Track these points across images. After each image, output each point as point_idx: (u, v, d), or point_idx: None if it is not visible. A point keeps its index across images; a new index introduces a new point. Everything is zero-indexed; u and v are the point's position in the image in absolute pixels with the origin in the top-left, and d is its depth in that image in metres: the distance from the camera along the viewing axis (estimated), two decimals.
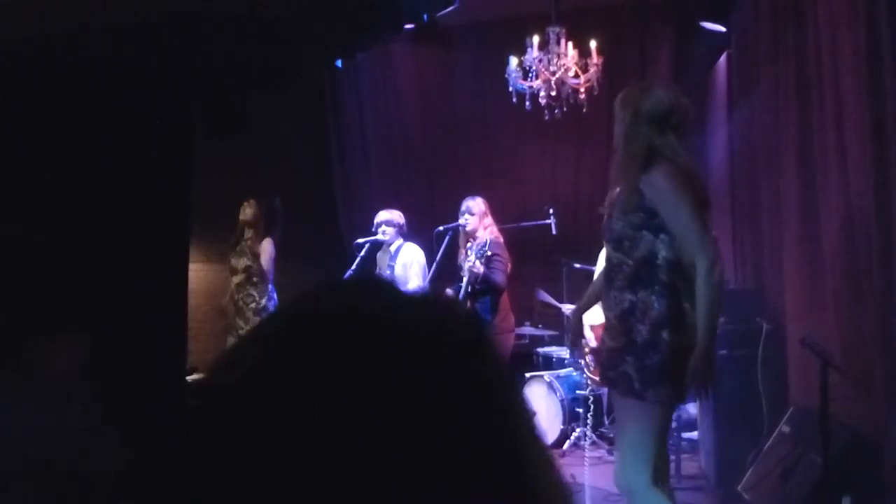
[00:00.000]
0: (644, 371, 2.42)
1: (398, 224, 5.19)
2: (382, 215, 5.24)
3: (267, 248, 5.15)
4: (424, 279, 5.02)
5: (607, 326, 2.60)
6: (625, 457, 2.51)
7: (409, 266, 5.12)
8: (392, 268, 5.14)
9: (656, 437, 2.51)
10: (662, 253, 2.46)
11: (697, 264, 2.43)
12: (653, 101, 2.57)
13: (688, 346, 2.43)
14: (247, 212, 5.23)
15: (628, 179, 2.50)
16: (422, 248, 5.25)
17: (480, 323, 0.57)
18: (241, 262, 5.17)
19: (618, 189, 2.58)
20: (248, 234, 5.23)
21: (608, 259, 2.59)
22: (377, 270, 5.25)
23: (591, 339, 4.55)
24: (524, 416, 0.53)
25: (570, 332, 3.06)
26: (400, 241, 5.19)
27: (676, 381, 2.44)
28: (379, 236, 5.24)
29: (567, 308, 5.45)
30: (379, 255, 5.31)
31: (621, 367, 2.47)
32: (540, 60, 5.20)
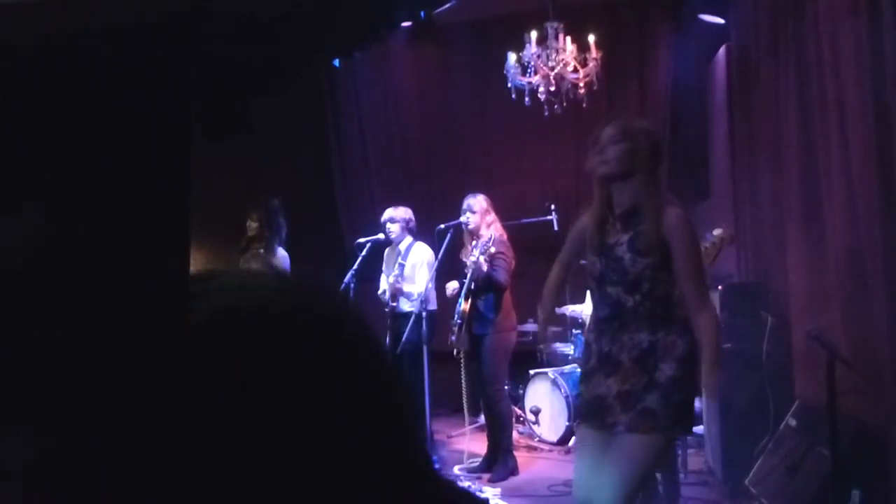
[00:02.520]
0: (670, 408, 2.42)
1: (403, 220, 5.12)
2: (388, 212, 5.19)
3: (282, 262, 5.06)
4: (432, 279, 4.99)
5: (615, 370, 2.50)
6: (623, 490, 2.43)
7: (418, 266, 5.07)
8: (402, 266, 5.08)
9: (651, 475, 2.56)
10: (677, 291, 2.49)
11: (701, 307, 2.47)
12: (657, 133, 2.62)
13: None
14: (252, 226, 5.11)
15: (653, 221, 2.46)
16: None
17: (343, 303, 0.64)
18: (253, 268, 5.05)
19: (628, 225, 2.51)
20: (259, 243, 5.14)
21: (617, 301, 2.50)
22: (385, 269, 5.21)
23: None
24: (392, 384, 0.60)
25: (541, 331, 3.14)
26: (409, 239, 5.11)
27: (691, 414, 2.53)
28: (382, 235, 5.21)
29: (569, 309, 5.44)
30: (387, 252, 5.25)
31: (638, 405, 2.43)
32: (538, 56, 5.18)
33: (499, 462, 4.68)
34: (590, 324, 2.69)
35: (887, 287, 2.96)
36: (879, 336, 3.05)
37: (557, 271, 2.84)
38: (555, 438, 5.31)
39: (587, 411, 2.59)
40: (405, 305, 5.08)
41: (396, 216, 5.13)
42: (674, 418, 2.43)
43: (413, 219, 5.19)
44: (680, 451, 4.40)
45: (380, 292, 5.17)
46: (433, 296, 5.06)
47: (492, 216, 4.70)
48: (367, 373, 0.58)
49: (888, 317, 2.96)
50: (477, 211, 4.65)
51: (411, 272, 5.08)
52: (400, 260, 5.10)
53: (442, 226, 4.83)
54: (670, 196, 2.55)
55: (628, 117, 2.75)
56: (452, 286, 4.75)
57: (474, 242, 4.58)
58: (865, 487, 3.02)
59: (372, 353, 0.60)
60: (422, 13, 4.92)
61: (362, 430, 0.54)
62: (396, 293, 5.06)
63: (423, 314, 4.65)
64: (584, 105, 5.33)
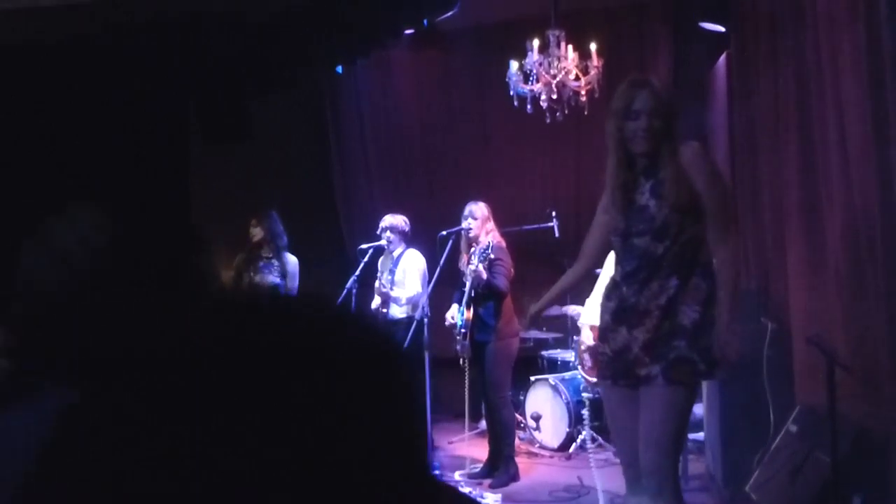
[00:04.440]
0: (705, 351, 2.44)
1: (402, 230, 5.18)
2: (387, 220, 5.23)
3: (294, 268, 5.10)
4: (424, 285, 5.01)
5: (641, 321, 2.49)
6: (664, 447, 2.45)
7: (408, 272, 5.12)
8: (393, 273, 5.14)
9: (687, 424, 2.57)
10: (703, 234, 2.50)
11: (724, 239, 2.49)
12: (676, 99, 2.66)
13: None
14: (257, 231, 5.09)
15: (672, 165, 2.46)
16: (423, 252, 5.25)
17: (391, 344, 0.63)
18: (269, 280, 5.07)
19: (647, 180, 2.51)
20: (266, 251, 5.11)
21: (645, 251, 2.48)
22: (378, 275, 5.24)
23: (588, 338, 4.50)
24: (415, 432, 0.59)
25: (532, 316, 3.06)
26: (402, 246, 5.19)
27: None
28: (382, 241, 5.23)
29: (570, 309, 5.44)
30: (381, 260, 5.31)
31: (672, 353, 2.44)
32: (540, 64, 5.21)
33: (500, 468, 4.69)
34: (609, 283, 2.66)
35: (887, 293, 2.97)
36: (879, 341, 3.06)
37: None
38: (556, 444, 5.31)
39: (613, 369, 2.57)
40: (396, 311, 5.12)
41: (397, 224, 5.17)
42: (710, 362, 2.45)
43: (409, 226, 5.22)
44: (680, 457, 4.41)
45: (373, 306, 5.21)
46: (427, 301, 5.09)
47: (491, 224, 4.72)
48: (376, 378, 0.57)
49: (888, 323, 2.97)
50: (478, 217, 4.68)
51: (402, 277, 5.12)
52: (391, 266, 5.15)
53: (444, 232, 4.85)
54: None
55: (653, 79, 2.70)
56: (451, 315, 4.77)
57: (473, 249, 4.60)
58: (866, 493, 3.02)
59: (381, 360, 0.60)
60: (424, 21, 4.94)
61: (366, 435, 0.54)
62: (385, 298, 5.10)
63: (425, 320, 4.67)
64: (586, 112, 5.35)
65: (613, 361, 2.57)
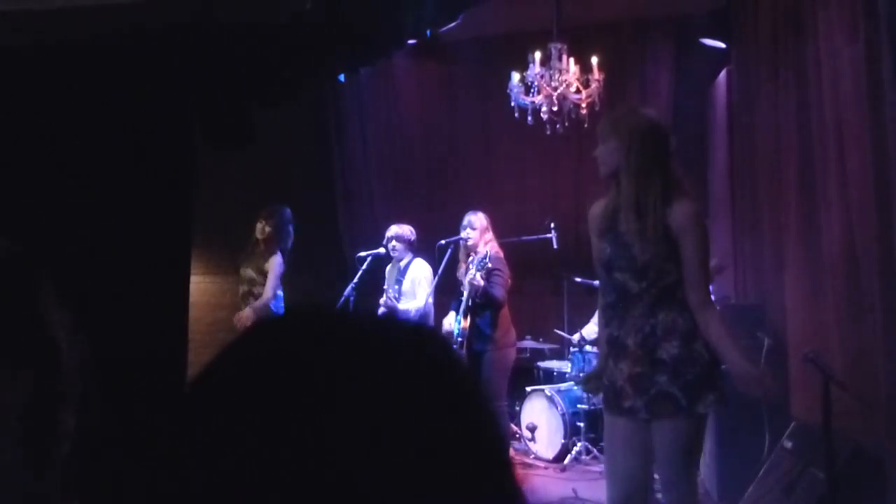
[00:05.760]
0: (687, 387, 2.43)
1: (408, 239, 5.17)
2: (393, 230, 5.22)
3: (274, 266, 4.91)
4: (431, 295, 5.01)
5: (624, 354, 2.52)
6: (677, 479, 2.47)
7: (417, 282, 5.11)
8: (400, 283, 5.12)
9: (701, 447, 2.56)
10: (681, 277, 2.51)
11: (705, 301, 2.49)
12: (653, 123, 2.55)
13: (715, 353, 2.50)
14: (266, 231, 4.99)
15: (653, 212, 2.46)
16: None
17: (448, 343, 0.60)
18: (247, 273, 5.06)
19: (633, 218, 2.50)
20: (261, 248, 5.03)
21: (623, 287, 2.51)
22: (385, 285, 5.23)
23: None
24: (493, 432, 0.56)
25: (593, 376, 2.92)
26: (409, 256, 5.17)
27: (717, 386, 2.49)
28: (383, 250, 5.23)
29: (575, 338, 5.42)
30: (388, 269, 5.30)
31: (653, 388, 2.45)
32: (542, 76, 5.24)
33: None
34: (599, 312, 2.69)
35: (883, 310, 2.98)
36: (876, 359, 3.06)
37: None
38: (551, 456, 5.30)
39: (606, 398, 2.61)
40: None
41: (403, 234, 5.16)
42: (693, 398, 2.43)
43: (415, 236, 5.22)
44: None
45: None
46: (432, 311, 5.09)
47: (490, 234, 4.74)
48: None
49: (884, 340, 2.98)
50: (477, 228, 4.69)
51: (410, 288, 5.10)
52: (398, 276, 5.13)
53: (443, 241, 4.86)
54: (678, 181, 2.52)
55: (623, 108, 2.74)
56: (448, 322, 4.77)
57: (471, 258, 4.61)
58: None
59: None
60: (427, 32, 4.97)
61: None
62: (392, 311, 5.08)
63: None
64: (586, 125, 5.37)
65: (607, 390, 2.60)
